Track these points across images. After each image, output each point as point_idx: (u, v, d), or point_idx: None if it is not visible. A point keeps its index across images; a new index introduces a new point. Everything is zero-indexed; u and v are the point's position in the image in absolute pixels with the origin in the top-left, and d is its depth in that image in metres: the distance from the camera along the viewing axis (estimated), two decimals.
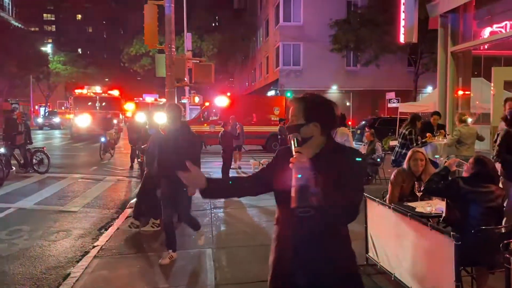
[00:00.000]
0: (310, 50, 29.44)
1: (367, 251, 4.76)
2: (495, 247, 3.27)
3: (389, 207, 4.16)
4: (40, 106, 53.89)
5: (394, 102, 20.76)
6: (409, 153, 4.66)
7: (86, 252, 5.71)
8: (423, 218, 3.73)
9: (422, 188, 4.04)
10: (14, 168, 11.77)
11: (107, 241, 6.09)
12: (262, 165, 12.69)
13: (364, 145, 11.77)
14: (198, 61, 11.00)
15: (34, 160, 12.06)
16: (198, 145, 5.72)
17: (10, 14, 59.41)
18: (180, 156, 4.14)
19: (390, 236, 4.24)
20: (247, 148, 19.03)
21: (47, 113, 45.22)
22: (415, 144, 7.38)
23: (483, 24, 8.18)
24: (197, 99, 26.82)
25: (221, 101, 19.84)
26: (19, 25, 53.95)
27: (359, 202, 2.00)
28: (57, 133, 34.37)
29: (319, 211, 1.84)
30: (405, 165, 4.63)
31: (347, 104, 29.53)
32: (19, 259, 5.49)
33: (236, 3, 49.51)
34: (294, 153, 1.91)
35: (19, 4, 61.87)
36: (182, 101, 27.67)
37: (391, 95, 22.21)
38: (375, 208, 4.52)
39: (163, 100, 36.44)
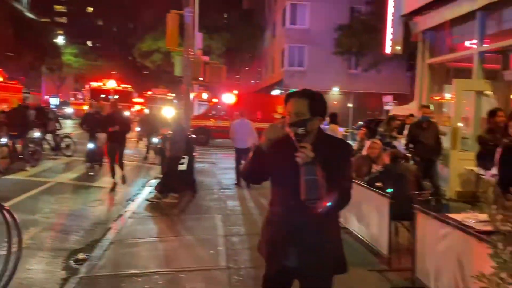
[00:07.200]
0: (315, 52, 30.79)
1: None
2: None
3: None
4: (51, 97, 55.50)
5: (389, 105, 22.18)
6: (368, 142, 6.12)
7: (121, 215, 7.21)
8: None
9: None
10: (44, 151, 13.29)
11: (137, 207, 7.60)
12: None
13: (356, 142, 13.28)
14: (210, 63, 12.46)
15: (62, 145, 13.57)
16: None
17: (25, 6, 61.15)
18: None
19: None
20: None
21: (58, 104, 46.79)
22: (387, 139, 8.87)
23: (456, 41, 9.65)
24: (204, 96, 28.38)
25: (229, 98, 21.31)
26: (33, 17, 55.65)
27: (351, 188, 2.19)
28: (69, 122, 35.83)
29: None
30: (364, 152, 6.09)
31: (348, 105, 30.89)
32: (70, 216, 7.05)
33: (246, 4, 50.84)
34: (298, 148, 1.99)
35: None
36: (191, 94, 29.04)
37: (388, 98, 23.63)
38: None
39: (172, 95, 38.04)
